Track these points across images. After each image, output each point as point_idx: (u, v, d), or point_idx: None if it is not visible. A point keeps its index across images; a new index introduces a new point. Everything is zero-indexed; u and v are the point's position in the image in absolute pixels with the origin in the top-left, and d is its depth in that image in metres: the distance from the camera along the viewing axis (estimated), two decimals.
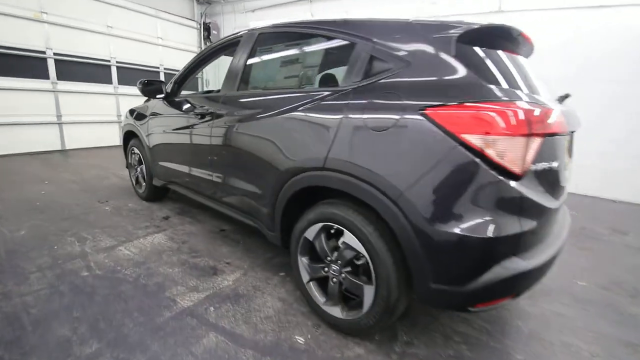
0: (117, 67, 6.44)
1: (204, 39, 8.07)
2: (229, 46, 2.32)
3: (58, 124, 5.78)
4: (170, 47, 7.40)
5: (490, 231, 1.10)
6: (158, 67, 7.24)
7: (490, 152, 1.08)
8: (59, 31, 5.52)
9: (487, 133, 1.08)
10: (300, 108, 1.58)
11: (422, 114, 1.17)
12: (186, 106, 2.51)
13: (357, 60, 1.47)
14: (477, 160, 1.09)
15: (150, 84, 2.63)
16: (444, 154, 1.13)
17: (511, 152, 1.09)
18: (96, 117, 6.27)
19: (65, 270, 1.97)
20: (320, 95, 1.53)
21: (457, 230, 1.11)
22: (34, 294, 1.73)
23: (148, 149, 3.02)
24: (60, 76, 5.65)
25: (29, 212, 2.94)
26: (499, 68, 1.30)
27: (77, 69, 5.84)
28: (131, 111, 3.33)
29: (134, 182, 3.48)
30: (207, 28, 7.99)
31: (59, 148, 5.88)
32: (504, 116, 1.07)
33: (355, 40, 1.51)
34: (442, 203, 1.14)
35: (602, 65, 4.27)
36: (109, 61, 6.29)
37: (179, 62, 7.63)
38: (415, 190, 1.17)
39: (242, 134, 1.91)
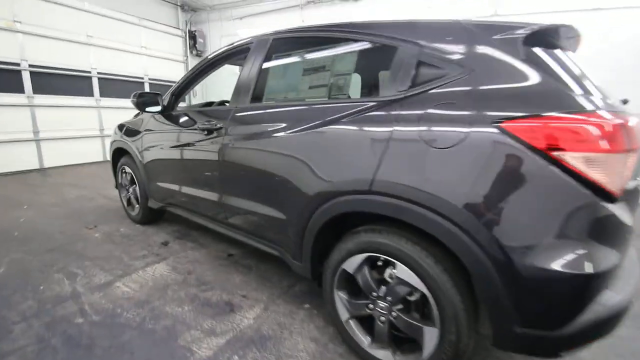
0: (99, 79, 6.07)
1: (189, 47, 7.79)
2: (236, 54, 2.10)
3: (35, 140, 5.36)
4: (155, 57, 7.08)
5: (589, 264, 0.92)
6: (142, 78, 6.90)
7: (587, 171, 0.91)
8: (35, 41, 5.14)
9: (583, 149, 0.91)
10: (336, 122, 1.38)
11: (497, 127, 1.00)
12: (187, 121, 2.28)
13: (401, 66, 1.29)
14: (571, 180, 0.92)
15: (145, 97, 2.37)
16: (528, 175, 0.95)
17: (610, 170, 0.92)
18: (77, 132, 5.88)
19: (55, 318, 1.68)
20: (360, 107, 1.33)
21: (552, 266, 0.93)
22: (19, 352, 1.44)
23: (142, 168, 2.74)
24: (37, 89, 5.25)
25: (7, 243, 2.60)
26: (569, 71, 1.14)
27: (55, 82, 5.46)
28: (121, 126, 3.05)
29: (126, 204, 3.18)
30: (192, 36, 7.71)
31: (37, 167, 5.45)
32: (601, 129, 0.90)
33: (397, 44, 1.33)
34: (530, 233, 0.96)
35: (609, 69, 4.28)
36: (89, 72, 5.92)
37: (164, 72, 7.32)
38: (494, 218, 0.99)
39: (260, 152, 1.69)
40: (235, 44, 2.09)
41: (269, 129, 1.65)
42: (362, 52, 1.52)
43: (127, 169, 3.00)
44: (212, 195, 2.08)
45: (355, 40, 1.50)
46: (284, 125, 1.58)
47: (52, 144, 5.55)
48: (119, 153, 3.10)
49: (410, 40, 1.30)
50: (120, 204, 3.33)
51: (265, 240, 1.86)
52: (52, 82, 5.41)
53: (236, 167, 1.85)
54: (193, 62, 7.96)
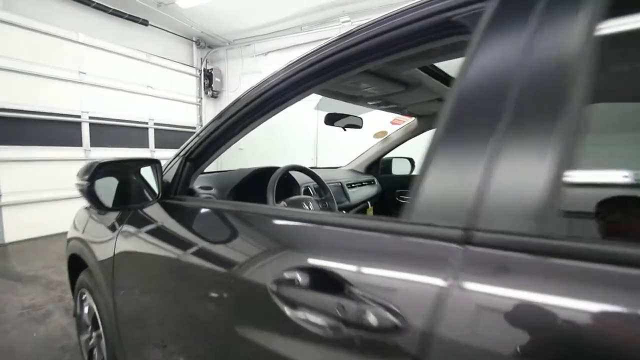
0: (91, 124, 4.83)
1: (204, 87, 6.70)
2: (383, 50, 0.72)
3: None
4: (163, 98, 5.93)
5: None
6: (146, 123, 5.68)
7: None
8: (7, 79, 3.95)
9: None
10: None
11: None
12: (243, 227, 0.85)
13: None
14: None
15: (111, 168, 0.95)
16: None
17: None
18: (56, 193, 4.50)
19: None
20: None
21: None
22: None
23: (112, 310, 1.27)
24: (5, 140, 3.97)
25: None
26: None
27: (32, 130, 4.19)
28: (86, 210, 1.63)
29: (87, 357, 1.67)
30: (208, 75, 6.65)
31: None
32: None
33: None
34: None
35: None
36: (78, 117, 4.70)
37: (174, 115, 6.15)
38: None
39: None
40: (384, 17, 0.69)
41: None
42: None
43: (88, 298, 1.53)
44: None
45: None
46: None
47: (18, 210, 4.15)
48: (77, 261, 1.65)
49: None
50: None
51: None
52: (26, 130, 4.14)
53: None
54: (208, 103, 6.84)
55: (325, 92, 1.27)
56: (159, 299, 1.08)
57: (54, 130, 4.41)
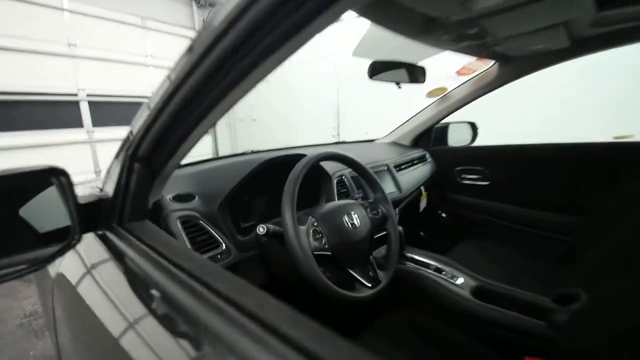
0: (90, 103, 4.41)
1: None
2: None
3: None
4: (166, 68, 5.37)
5: None
6: (150, 97, 5.19)
7: None
8: None
9: None
10: None
11: None
12: None
13: None
14: None
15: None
16: None
17: None
18: None
19: None
20: None
21: None
22: None
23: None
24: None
25: None
26: None
27: (18, 113, 3.80)
28: None
29: None
30: None
31: None
32: None
33: None
34: None
35: None
36: (75, 95, 4.27)
37: None
38: None
39: None
40: None
41: None
42: None
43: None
44: None
45: None
46: None
47: None
48: None
49: None
50: None
51: None
52: (14, 114, 3.76)
53: None
54: None
55: (378, 15, 0.68)
56: None
57: (48, 112, 4.01)
